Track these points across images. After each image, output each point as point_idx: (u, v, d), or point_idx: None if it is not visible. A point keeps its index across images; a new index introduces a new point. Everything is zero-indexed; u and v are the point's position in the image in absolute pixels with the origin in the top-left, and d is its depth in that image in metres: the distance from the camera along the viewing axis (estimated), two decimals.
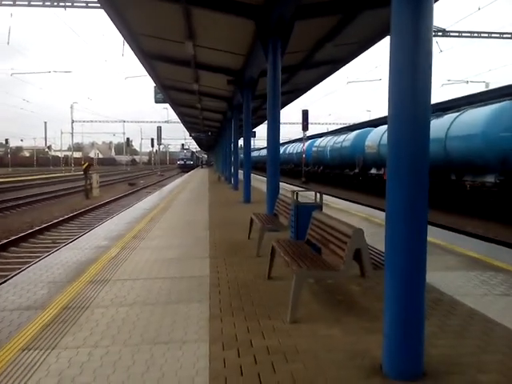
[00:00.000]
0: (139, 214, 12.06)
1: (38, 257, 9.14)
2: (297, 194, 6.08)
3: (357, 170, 27.18)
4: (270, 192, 9.25)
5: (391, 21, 3.13)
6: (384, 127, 24.56)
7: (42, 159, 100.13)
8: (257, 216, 7.57)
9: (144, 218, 11.18)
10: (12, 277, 5.65)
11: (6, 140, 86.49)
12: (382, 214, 12.20)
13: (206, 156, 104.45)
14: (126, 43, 12.36)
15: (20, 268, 7.86)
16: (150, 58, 13.64)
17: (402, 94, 3.01)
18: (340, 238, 4.12)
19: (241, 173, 19.16)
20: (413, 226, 3.00)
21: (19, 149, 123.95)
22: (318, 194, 5.98)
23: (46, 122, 74.15)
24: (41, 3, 18.64)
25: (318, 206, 5.74)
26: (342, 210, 12.60)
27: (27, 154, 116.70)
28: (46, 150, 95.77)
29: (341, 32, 9.83)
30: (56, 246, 10.02)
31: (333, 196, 19.47)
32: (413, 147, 3.00)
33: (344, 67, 14.36)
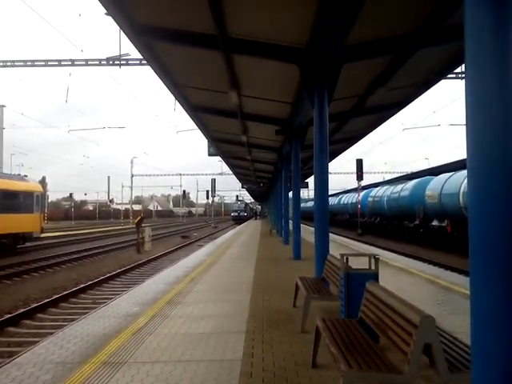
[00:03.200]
0: (183, 271, 11.40)
1: (75, 319, 8.58)
2: (347, 258, 5.09)
3: (417, 222, 25.44)
4: (318, 252, 8.15)
5: (466, 46, 2.34)
6: (446, 175, 23.00)
7: (103, 212, 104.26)
8: (303, 281, 6.60)
9: (186, 276, 10.50)
10: (21, 354, 4.99)
11: (71, 194, 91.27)
12: (449, 275, 10.76)
13: (259, 207, 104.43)
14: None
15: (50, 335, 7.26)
16: (197, 110, 13.44)
17: (488, 133, 2.13)
18: (403, 326, 3.12)
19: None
20: None
21: (83, 202, 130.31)
22: (373, 259, 4.96)
23: (109, 177, 77.80)
24: (97, 63, 19.42)
25: (374, 275, 4.73)
26: (402, 268, 11.27)
27: (91, 208, 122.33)
28: (109, 203, 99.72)
29: (393, 75, 9.03)
30: (96, 307, 9.46)
31: (391, 250, 17.99)
32: (508, 206, 2.09)
33: (399, 113, 13.44)
